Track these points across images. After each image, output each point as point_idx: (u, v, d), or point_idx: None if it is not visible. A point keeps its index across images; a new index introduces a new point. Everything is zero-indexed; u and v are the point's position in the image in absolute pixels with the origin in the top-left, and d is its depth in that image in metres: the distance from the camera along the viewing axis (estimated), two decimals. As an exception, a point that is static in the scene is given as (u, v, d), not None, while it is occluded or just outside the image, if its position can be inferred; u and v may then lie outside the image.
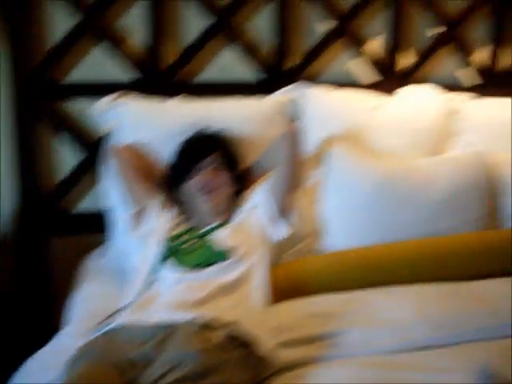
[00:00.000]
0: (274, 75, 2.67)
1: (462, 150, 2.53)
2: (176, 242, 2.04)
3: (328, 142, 2.39)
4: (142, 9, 2.55)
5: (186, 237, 2.07)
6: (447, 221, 2.27)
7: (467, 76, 2.85)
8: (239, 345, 1.61)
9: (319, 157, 2.38)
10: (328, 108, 2.52)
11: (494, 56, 2.84)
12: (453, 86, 2.75)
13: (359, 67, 2.76)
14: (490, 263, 2.16)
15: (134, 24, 2.56)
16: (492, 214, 2.35)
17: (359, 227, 2.27)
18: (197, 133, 2.27)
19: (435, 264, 2.14)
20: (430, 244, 2.20)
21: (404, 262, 2.13)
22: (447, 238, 2.22)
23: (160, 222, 2.13)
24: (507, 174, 2.39)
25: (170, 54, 2.62)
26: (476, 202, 2.32)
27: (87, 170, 2.59)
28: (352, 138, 2.44)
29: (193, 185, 2.17)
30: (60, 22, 2.48)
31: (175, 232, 2.09)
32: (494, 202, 2.37)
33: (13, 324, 2.47)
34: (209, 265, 1.93)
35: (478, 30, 2.82)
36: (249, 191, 2.27)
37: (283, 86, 2.57)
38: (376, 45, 2.76)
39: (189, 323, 1.63)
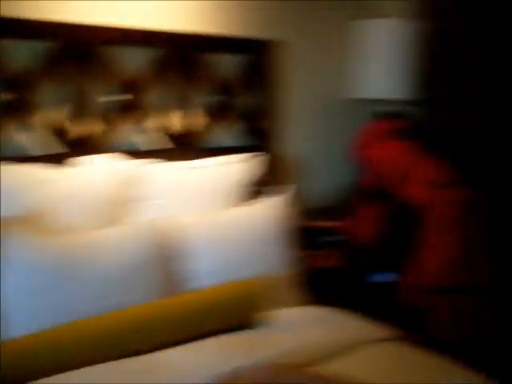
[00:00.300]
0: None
1: (144, 216, 2.44)
2: None
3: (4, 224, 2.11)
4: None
5: None
6: (124, 293, 2.14)
7: (151, 141, 2.78)
8: None
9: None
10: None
11: (180, 120, 2.84)
12: (137, 152, 2.67)
13: (33, 138, 2.48)
14: (172, 330, 2.07)
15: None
16: (169, 279, 2.30)
17: (41, 308, 2.04)
18: None
19: (117, 340, 1.99)
20: (106, 320, 2.04)
21: (80, 342, 1.95)
22: (126, 311, 2.07)
23: None
24: (188, 238, 2.39)
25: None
26: (150, 271, 2.25)
27: None
28: (29, 216, 2.22)
29: None
30: None
31: None
32: (173, 267, 2.33)
33: None
34: None
35: (164, 95, 2.80)
36: None
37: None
38: (56, 114, 2.52)
39: None
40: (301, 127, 3.30)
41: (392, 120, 3.13)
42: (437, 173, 2.76)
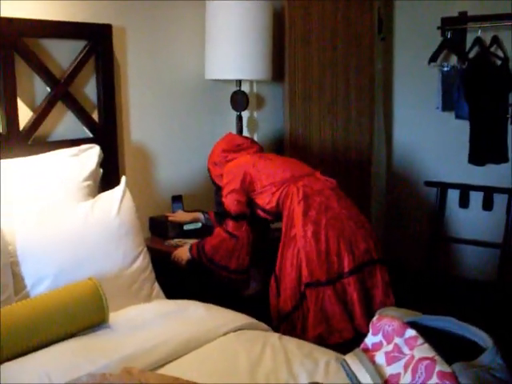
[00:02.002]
0: None
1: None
2: None
3: None
4: None
5: None
6: None
7: None
8: None
9: None
10: None
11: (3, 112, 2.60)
12: None
13: None
14: (12, 340, 1.88)
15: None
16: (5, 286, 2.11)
17: None
18: None
19: None
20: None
21: None
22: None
23: None
24: (22, 241, 2.21)
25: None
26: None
27: None
28: None
29: None
30: None
31: None
32: (8, 273, 2.14)
33: None
34: None
35: None
36: None
37: None
38: None
39: None
40: (147, 115, 3.16)
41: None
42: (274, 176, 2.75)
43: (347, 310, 2.54)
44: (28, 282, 2.17)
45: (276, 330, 2.37)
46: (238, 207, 2.75)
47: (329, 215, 2.62)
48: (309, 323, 2.54)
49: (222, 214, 2.86)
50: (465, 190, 4.26)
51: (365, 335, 2.34)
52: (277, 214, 2.77)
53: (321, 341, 2.43)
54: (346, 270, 2.55)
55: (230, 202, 2.76)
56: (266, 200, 2.75)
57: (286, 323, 2.60)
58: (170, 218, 3.11)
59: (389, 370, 1.62)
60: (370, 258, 2.61)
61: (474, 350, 1.57)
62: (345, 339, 2.49)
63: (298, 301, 2.58)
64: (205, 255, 2.76)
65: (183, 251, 2.83)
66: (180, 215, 3.14)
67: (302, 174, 2.77)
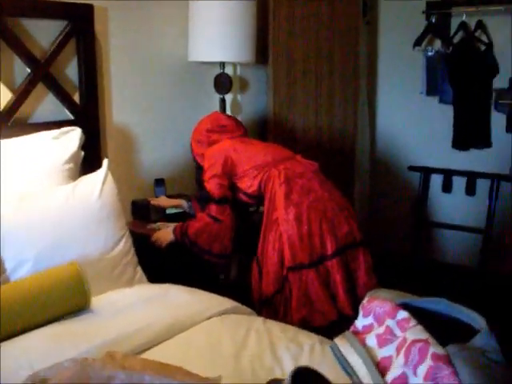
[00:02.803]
0: None
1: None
2: None
3: None
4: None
5: None
6: None
7: None
8: None
9: None
10: None
11: None
12: None
13: None
14: None
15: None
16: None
17: None
18: None
19: None
20: None
21: None
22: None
23: None
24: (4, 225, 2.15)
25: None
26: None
27: None
28: None
29: None
30: None
31: None
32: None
33: None
34: None
35: None
36: None
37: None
38: None
39: None
40: (129, 97, 3.11)
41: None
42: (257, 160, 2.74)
43: (330, 293, 2.55)
44: (8, 265, 2.14)
45: (258, 313, 2.35)
46: (221, 191, 2.73)
47: (311, 198, 2.61)
48: (292, 306, 2.53)
49: (204, 199, 2.83)
50: (448, 175, 4.27)
51: (348, 317, 2.35)
52: (259, 198, 2.76)
53: (305, 324, 2.43)
54: (329, 252, 2.55)
55: (213, 186, 2.74)
56: (247, 184, 2.74)
57: (268, 307, 2.60)
58: (152, 203, 3.08)
59: (380, 353, 1.62)
60: (353, 241, 2.62)
61: (468, 331, 1.57)
62: (329, 321, 2.50)
63: (281, 284, 2.58)
64: (188, 238, 2.74)
65: (166, 233, 2.81)
66: (163, 201, 3.10)
67: (284, 158, 2.76)
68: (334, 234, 2.57)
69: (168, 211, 3.08)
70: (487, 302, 3.32)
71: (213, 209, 2.74)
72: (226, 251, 2.78)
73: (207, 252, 2.75)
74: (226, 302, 2.21)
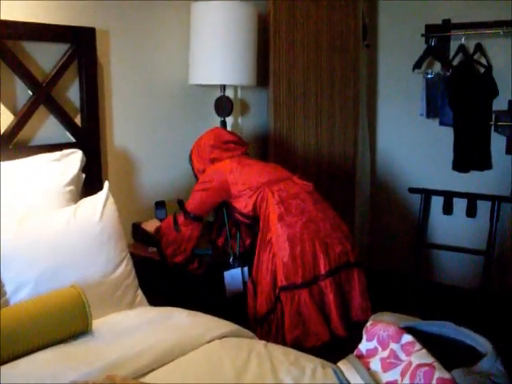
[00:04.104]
0: None
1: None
2: None
3: None
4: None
5: None
6: None
7: None
8: None
9: None
10: None
11: None
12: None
13: None
14: None
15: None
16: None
17: None
18: None
19: None
20: None
21: None
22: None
23: None
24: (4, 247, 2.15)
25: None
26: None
27: None
28: None
29: None
30: None
31: None
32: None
33: None
34: None
35: None
36: None
37: None
38: None
39: None
40: (130, 119, 3.13)
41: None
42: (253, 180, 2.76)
43: (324, 313, 2.53)
44: (8, 288, 2.12)
45: (253, 331, 2.34)
46: (199, 208, 2.81)
47: (304, 218, 2.62)
48: (285, 326, 2.53)
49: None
50: (448, 197, 4.27)
51: (341, 338, 2.34)
52: (255, 218, 2.76)
53: (297, 344, 2.43)
54: (322, 272, 2.55)
55: (195, 199, 2.83)
56: (243, 204, 2.76)
57: (262, 326, 2.60)
58: (143, 226, 3.09)
59: (385, 377, 1.60)
60: (347, 261, 2.61)
61: (473, 355, 1.55)
62: (321, 342, 2.49)
63: (273, 304, 2.58)
64: (158, 233, 2.86)
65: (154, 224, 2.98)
66: (150, 225, 3.10)
67: (279, 179, 2.77)
68: (327, 253, 2.57)
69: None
70: (490, 324, 3.31)
71: (181, 217, 2.82)
72: (177, 259, 2.81)
73: (162, 250, 2.83)
74: (227, 325, 2.19)
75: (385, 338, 1.67)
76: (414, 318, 1.79)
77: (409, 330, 1.68)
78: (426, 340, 1.61)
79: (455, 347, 1.62)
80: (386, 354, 1.64)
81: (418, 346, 1.57)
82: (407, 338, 1.62)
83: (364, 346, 1.76)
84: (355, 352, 1.79)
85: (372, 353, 1.70)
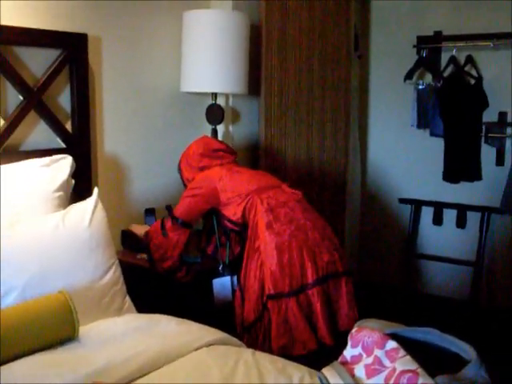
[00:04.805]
0: None
1: None
2: None
3: None
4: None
5: None
6: None
7: None
8: None
9: None
10: None
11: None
12: None
13: None
14: None
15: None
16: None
17: None
18: None
19: None
20: None
21: None
22: None
23: None
24: None
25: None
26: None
27: None
28: None
29: None
30: None
31: None
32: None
33: None
34: None
35: None
36: None
37: None
38: None
39: None
40: (121, 126, 3.12)
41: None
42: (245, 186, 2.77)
43: (311, 322, 2.53)
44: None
45: (240, 339, 2.34)
46: (187, 214, 2.82)
47: (293, 227, 2.62)
48: (271, 334, 2.52)
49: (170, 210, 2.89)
50: (438, 208, 4.29)
51: (328, 347, 2.33)
52: (244, 226, 2.76)
53: (285, 352, 2.43)
54: (310, 280, 2.55)
55: (184, 205, 2.84)
56: (231, 211, 2.76)
57: (249, 334, 2.60)
58: (131, 228, 3.09)
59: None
60: (335, 270, 2.61)
61: (457, 362, 1.56)
62: (308, 351, 2.48)
63: (261, 312, 2.58)
64: (146, 237, 2.88)
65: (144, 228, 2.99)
66: (142, 228, 3.08)
67: (268, 186, 2.78)
68: (315, 262, 2.57)
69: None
70: (478, 334, 3.32)
71: (168, 222, 2.83)
72: (165, 264, 2.81)
73: (151, 255, 2.84)
74: (215, 333, 2.18)
75: (369, 344, 1.67)
76: (398, 325, 1.79)
77: (393, 336, 1.68)
78: (411, 346, 1.61)
79: (439, 354, 1.62)
80: (370, 360, 1.64)
81: (402, 352, 1.57)
82: (391, 344, 1.62)
83: (349, 353, 1.75)
84: (340, 358, 1.79)
85: (356, 359, 1.70)
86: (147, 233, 2.89)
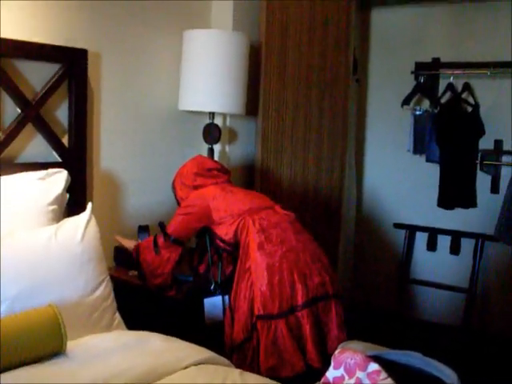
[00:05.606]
0: None
1: None
2: None
3: None
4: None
5: None
6: None
7: None
8: None
9: None
10: None
11: None
12: None
13: None
14: None
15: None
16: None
17: None
18: None
19: None
20: None
21: None
22: None
23: None
24: None
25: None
26: None
27: None
28: None
29: None
30: None
31: None
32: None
33: None
34: None
35: None
36: None
37: None
38: None
39: None
40: (118, 142, 3.13)
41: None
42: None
43: (300, 344, 2.52)
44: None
45: (229, 358, 2.33)
46: (180, 231, 2.81)
47: (284, 248, 2.62)
48: (260, 355, 2.51)
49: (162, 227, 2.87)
50: (433, 234, 4.29)
51: (316, 370, 2.32)
52: (236, 246, 2.76)
53: (272, 373, 2.41)
54: (300, 302, 2.54)
55: (177, 223, 2.83)
56: (224, 231, 2.75)
57: (238, 354, 2.59)
58: (119, 239, 3.06)
59: (350, 405, 1.59)
60: (325, 292, 2.60)
61: (439, 386, 1.55)
62: (296, 373, 2.47)
63: (250, 333, 2.57)
64: (136, 253, 2.85)
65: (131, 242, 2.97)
66: (132, 242, 3.05)
67: (261, 207, 2.78)
68: (305, 284, 2.56)
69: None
70: (469, 360, 3.31)
71: (160, 239, 2.81)
72: (157, 281, 2.80)
73: (141, 270, 2.82)
74: (204, 352, 2.17)
75: (352, 366, 1.67)
76: (381, 347, 1.79)
77: (376, 358, 1.67)
78: (393, 369, 1.61)
79: (421, 377, 1.61)
80: (352, 382, 1.64)
81: (383, 374, 1.57)
82: (373, 366, 1.61)
83: (331, 374, 1.75)
84: (322, 380, 1.79)
85: (338, 381, 1.70)
86: (137, 247, 2.88)
